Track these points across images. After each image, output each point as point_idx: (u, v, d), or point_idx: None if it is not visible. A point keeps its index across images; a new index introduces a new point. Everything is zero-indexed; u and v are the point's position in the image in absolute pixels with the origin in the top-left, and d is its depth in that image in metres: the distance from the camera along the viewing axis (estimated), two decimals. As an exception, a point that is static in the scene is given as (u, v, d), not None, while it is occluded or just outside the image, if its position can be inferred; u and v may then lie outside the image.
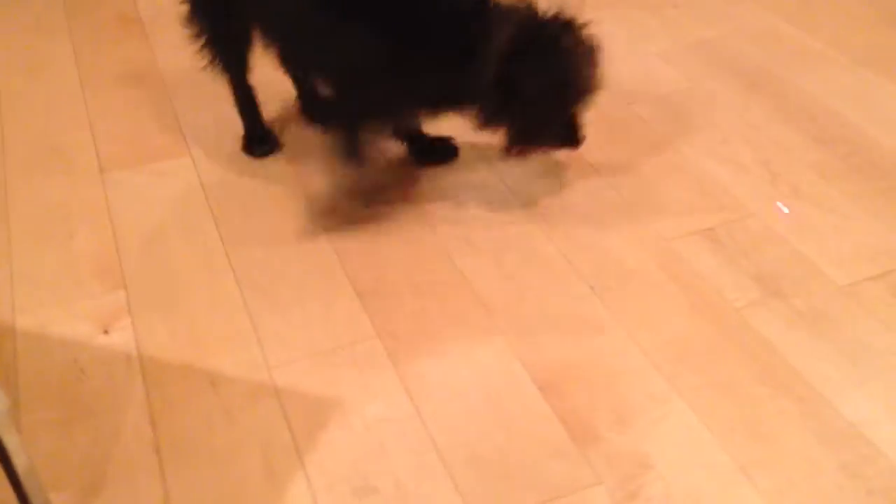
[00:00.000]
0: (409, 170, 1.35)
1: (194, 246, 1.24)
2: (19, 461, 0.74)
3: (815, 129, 1.37)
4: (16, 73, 1.65)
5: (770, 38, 1.60)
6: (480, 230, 1.23)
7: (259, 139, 1.42)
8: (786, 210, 1.21)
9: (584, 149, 1.35)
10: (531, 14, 1.12)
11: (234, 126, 1.46)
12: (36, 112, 1.54)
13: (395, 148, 1.36)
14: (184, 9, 1.33)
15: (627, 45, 1.62)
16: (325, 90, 1.32)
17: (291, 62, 1.37)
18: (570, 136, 1.21)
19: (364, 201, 1.30)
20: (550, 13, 1.13)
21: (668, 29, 1.66)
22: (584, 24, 1.16)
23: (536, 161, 1.34)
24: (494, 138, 1.21)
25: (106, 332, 1.10)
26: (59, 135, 1.48)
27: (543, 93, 1.12)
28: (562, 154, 1.34)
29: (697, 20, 1.68)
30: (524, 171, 1.33)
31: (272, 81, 1.44)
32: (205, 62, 1.35)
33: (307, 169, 1.37)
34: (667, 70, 1.54)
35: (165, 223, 1.28)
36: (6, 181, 1.38)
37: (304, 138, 1.44)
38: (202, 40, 1.33)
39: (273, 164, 1.39)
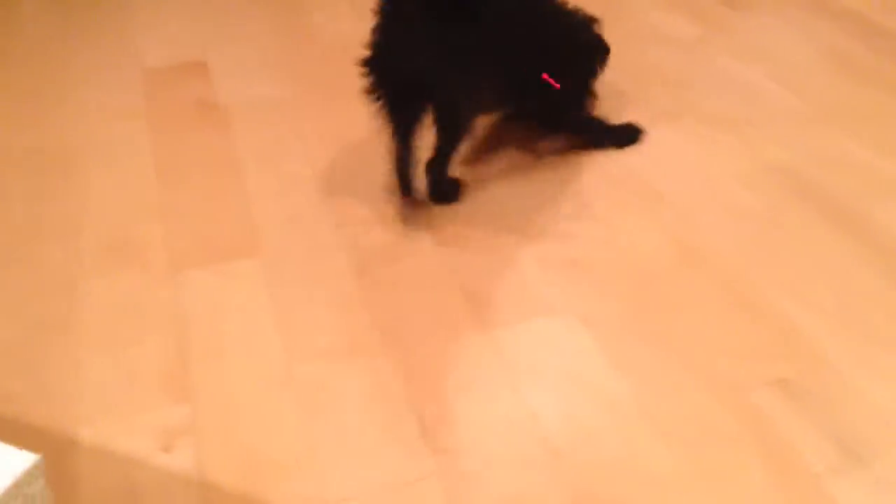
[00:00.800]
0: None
1: (258, 359, 1.23)
2: None
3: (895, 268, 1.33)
4: (94, 159, 1.68)
5: (848, 166, 1.57)
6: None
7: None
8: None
9: (653, 275, 1.34)
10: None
11: (306, 222, 1.48)
12: (112, 201, 1.57)
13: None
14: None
15: (702, 164, 1.60)
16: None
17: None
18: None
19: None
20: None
21: (745, 149, 1.63)
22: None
23: (607, 286, 1.32)
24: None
25: (166, 450, 1.10)
26: (133, 226, 1.50)
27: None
28: (627, 283, 1.32)
29: (771, 140, 1.65)
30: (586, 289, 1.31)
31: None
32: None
33: (374, 276, 1.37)
34: (744, 195, 1.51)
35: (232, 331, 1.28)
36: (78, 276, 1.39)
37: (373, 249, 1.44)
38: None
39: (339, 272, 1.39)
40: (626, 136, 1.67)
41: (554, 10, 1.59)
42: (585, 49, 1.63)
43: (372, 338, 1.26)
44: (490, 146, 1.69)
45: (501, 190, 1.56)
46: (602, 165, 1.61)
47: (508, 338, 1.26)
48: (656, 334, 1.25)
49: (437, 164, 1.49)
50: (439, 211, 1.51)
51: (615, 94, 1.81)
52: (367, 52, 1.40)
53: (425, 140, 1.47)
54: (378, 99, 1.42)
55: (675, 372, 1.19)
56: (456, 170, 1.59)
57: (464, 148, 1.64)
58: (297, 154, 1.68)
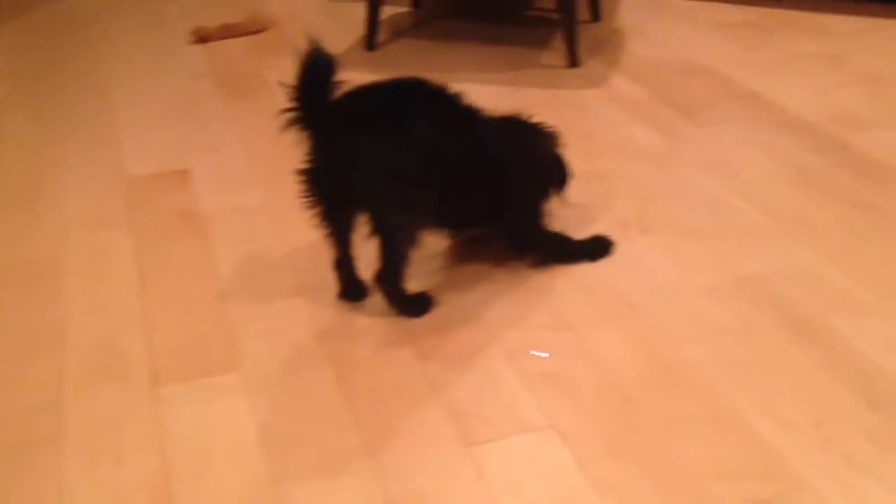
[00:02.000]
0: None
1: (243, 479, 1.23)
2: None
3: (865, 386, 1.38)
4: (76, 271, 1.70)
5: (812, 279, 1.64)
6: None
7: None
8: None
9: (630, 390, 1.37)
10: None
11: (288, 335, 1.50)
12: (94, 314, 1.58)
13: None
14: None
15: (673, 277, 1.65)
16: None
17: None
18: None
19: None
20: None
21: (713, 262, 1.70)
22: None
23: (583, 398, 1.35)
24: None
25: (150, 577, 1.09)
26: (117, 338, 1.51)
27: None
28: (605, 399, 1.35)
29: (737, 253, 1.72)
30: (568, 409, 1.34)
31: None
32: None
33: (355, 390, 1.39)
34: (716, 309, 1.56)
35: (216, 449, 1.28)
36: (61, 392, 1.39)
37: (354, 362, 1.46)
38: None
39: (321, 386, 1.40)
40: (598, 248, 1.73)
41: (502, 128, 1.59)
42: (538, 169, 1.65)
43: (357, 456, 1.27)
44: (465, 256, 1.73)
45: (479, 300, 1.60)
46: (575, 276, 1.66)
47: (489, 455, 1.27)
48: (633, 451, 1.27)
49: (384, 278, 1.51)
50: (419, 322, 1.54)
51: (587, 206, 1.88)
52: (304, 163, 1.46)
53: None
54: (313, 207, 1.48)
55: (652, 491, 1.21)
56: (430, 279, 1.63)
57: (439, 258, 1.69)
58: (279, 264, 1.71)
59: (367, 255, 1.53)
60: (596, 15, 3.00)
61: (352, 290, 1.58)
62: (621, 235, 1.78)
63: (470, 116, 1.54)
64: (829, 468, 1.23)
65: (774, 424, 1.31)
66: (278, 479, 1.23)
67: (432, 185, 1.47)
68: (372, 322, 1.54)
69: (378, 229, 1.46)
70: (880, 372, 1.41)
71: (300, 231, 1.80)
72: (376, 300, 1.56)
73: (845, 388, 1.38)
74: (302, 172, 1.48)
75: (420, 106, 1.48)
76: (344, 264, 1.57)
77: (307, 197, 1.48)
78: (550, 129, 1.66)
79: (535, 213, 1.65)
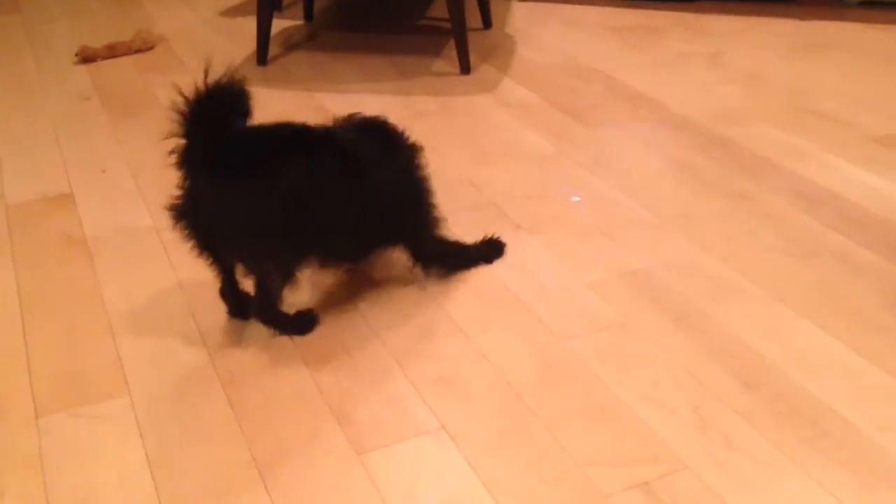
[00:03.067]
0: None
1: (129, 505, 1.21)
2: None
3: (740, 370, 1.44)
4: (-47, 302, 1.64)
5: (693, 271, 1.70)
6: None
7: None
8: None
9: (520, 388, 1.40)
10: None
11: (177, 357, 1.48)
12: (-29, 346, 1.52)
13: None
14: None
15: (561, 274, 1.69)
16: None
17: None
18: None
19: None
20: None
21: (599, 258, 1.74)
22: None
23: (471, 400, 1.37)
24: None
25: None
26: (-6, 371, 1.46)
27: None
28: (495, 398, 1.38)
29: (625, 250, 1.77)
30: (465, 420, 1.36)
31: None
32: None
33: (247, 407, 1.37)
34: (600, 303, 1.61)
35: (102, 478, 1.25)
36: (-66, 429, 1.34)
37: (245, 379, 1.45)
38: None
39: (211, 407, 1.38)
40: (492, 250, 1.75)
41: (374, 148, 1.52)
42: (419, 182, 1.60)
43: (248, 474, 1.26)
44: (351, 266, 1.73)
45: (370, 308, 1.60)
46: (465, 279, 1.68)
47: (382, 461, 1.28)
48: (523, 447, 1.30)
49: (259, 312, 1.50)
50: (310, 334, 1.54)
51: (480, 209, 1.91)
52: (174, 199, 1.43)
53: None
54: (188, 240, 1.46)
55: (542, 484, 1.23)
56: (317, 290, 1.63)
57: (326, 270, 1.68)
58: (168, 286, 1.68)
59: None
60: (487, 22, 3.05)
61: (241, 307, 1.56)
62: (512, 237, 1.81)
63: (346, 153, 1.48)
64: (707, 449, 1.28)
65: (656, 411, 1.36)
66: None
67: (304, 233, 1.45)
68: (264, 339, 1.53)
69: (249, 271, 1.48)
70: (755, 355, 1.47)
71: (189, 251, 1.78)
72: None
73: (722, 372, 1.43)
74: (172, 208, 1.44)
75: (293, 152, 1.43)
76: (229, 291, 1.54)
77: (183, 233, 1.45)
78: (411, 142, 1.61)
79: (428, 228, 1.64)
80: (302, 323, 1.54)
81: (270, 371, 1.46)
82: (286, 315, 1.53)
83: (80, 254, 1.79)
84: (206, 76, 1.33)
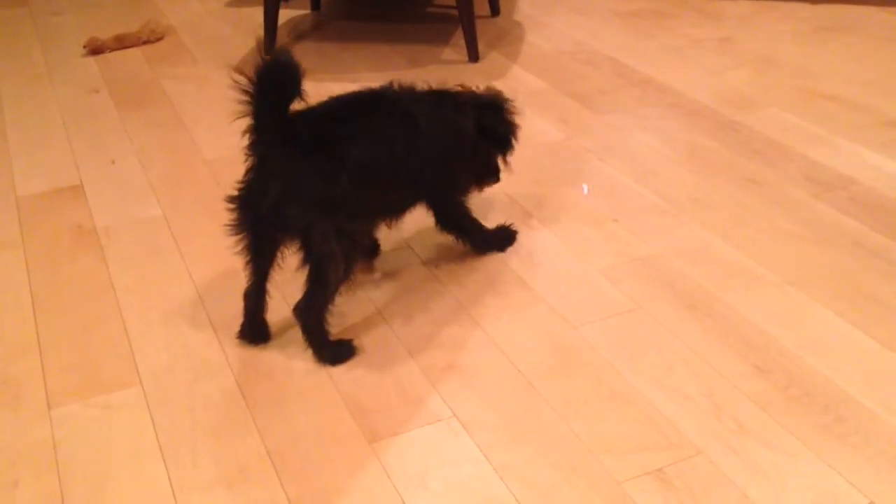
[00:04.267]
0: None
1: (144, 495, 1.21)
2: None
3: (753, 356, 1.43)
4: (-34, 294, 1.64)
5: (705, 256, 1.69)
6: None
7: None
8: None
9: (532, 375, 1.39)
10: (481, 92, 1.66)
11: (188, 346, 1.48)
12: (-16, 338, 1.53)
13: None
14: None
15: (572, 262, 1.69)
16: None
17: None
18: (497, 174, 1.73)
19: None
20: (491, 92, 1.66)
21: (610, 245, 1.74)
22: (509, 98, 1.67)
23: (486, 388, 1.36)
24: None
25: None
26: (7, 363, 1.47)
27: (506, 133, 1.66)
28: (507, 386, 1.37)
29: (637, 236, 1.76)
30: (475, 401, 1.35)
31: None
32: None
33: (258, 396, 1.38)
34: (611, 290, 1.60)
35: (115, 467, 1.26)
36: (-51, 420, 1.35)
37: (256, 368, 1.45)
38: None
39: (223, 396, 1.38)
40: (504, 238, 1.75)
41: (433, 112, 1.51)
42: (463, 149, 1.59)
43: (260, 463, 1.26)
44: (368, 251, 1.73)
45: (382, 298, 1.60)
46: (477, 268, 1.68)
47: (394, 449, 1.28)
48: (534, 434, 1.29)
49: (305, 310, 1.43)
50: (323, 325, 1.53)
51: (490, 197, 1.90)
52: (236, 190, 1.39)
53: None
54: (239, 235, 1.41)
55: (555, 471, 1.23)
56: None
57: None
58: (177, 276, 1.68)
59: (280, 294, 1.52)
60: (496, 9, 3.03)
61: (255, 329, 1.50)
62: (522, 224, 1.80)
63: (406, 116, 1.48)
64: (720, 434, 1.28)
65: (668, 397, 1.35)
66: (179, 492, 1.22)
67: (368, 211, 1.45)
68: (274, 327, 1.52)
69: (309, 258, 1.39)
70: (767, 339, 1.46)
71: (199, 240, 1.78)
72: (280, 308, 1.55)
73: (735, 357, 1.43)
74: (233, 199, 1.39)
75: (359, 125, 1.42)
76: (255, 297, 1.47)
77: (235, 224, 1.40)
78: (492, 100, 1.64)
79: (456, 190, 1.64)
80: (339, 351, 1.46)
81: (282, 360, 1.46)
82: (328, 335, 1.45)
83: (90, 244, 1.79)
84: (260, 53, 1.30)
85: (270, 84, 1.30)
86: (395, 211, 1.58)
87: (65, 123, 2.32)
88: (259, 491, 1.22)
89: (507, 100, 1.66)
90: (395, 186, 1.50)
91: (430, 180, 1.55)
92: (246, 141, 1.36)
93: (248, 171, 1.39)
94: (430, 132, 1.50)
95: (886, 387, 1.35)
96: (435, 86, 1.58)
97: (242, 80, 1.29)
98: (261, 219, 1.39)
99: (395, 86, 1.52)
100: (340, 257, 1.40)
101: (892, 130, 2.14)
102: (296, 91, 1.32)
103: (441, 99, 1.56)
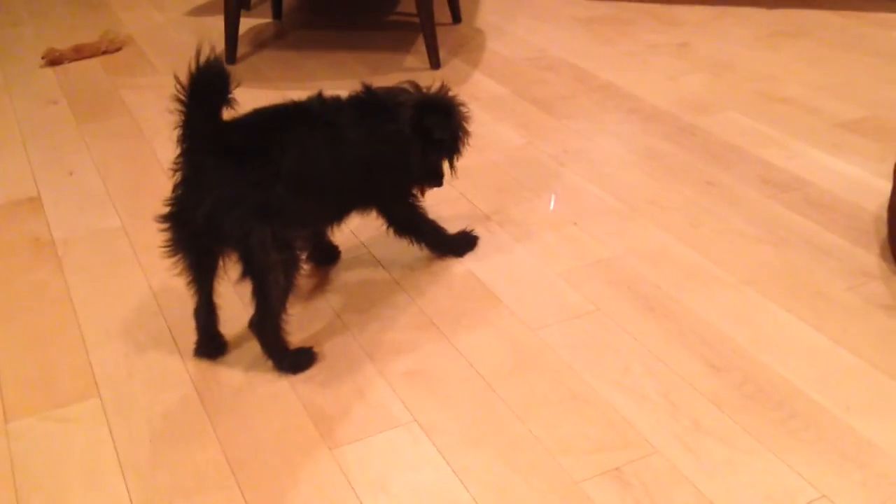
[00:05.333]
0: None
1: (100, 506, 1.20)
2: None
3: (710, 354, 1.45)
4: (-81, 308, 1.62)
5: (663, 258, 1.71)
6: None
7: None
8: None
9: (491, 378, 1.40)
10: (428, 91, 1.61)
11: (148, 357, 1.47)
12: (-62, 353, 1.51)
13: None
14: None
15: (532, 265, 1.70)
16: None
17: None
18: (439, 178, 1.67)
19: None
20: (440, 90, 1.62)
21: (570, 248, 1.75)
22: (461, 99, 1.63)
23: (445, 398, 1.37)
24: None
25: None
26: (-39, 377, 1.45)
27: (448, 136, 1.60)
28: (467, 389, 1.38)
29: (596, 239, 1.78)
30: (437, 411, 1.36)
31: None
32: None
33: (219, 405, 1.37)
34: (571, 293, 1.62)
35: (72, 479, 1.25)
36: None
37: (217, 377, 1.44)
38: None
39: (183, 406, 1.38)
40: (463, 243, 1.76)
41: (364, 118, 1.50)
42: (400, 152, 1.55)
43: (220, 472, 1.26)
44: (323, 260, 1.73)
45: (341, 303, 1.60)
46: (439, 274, 1.69)
47: (354, 454, 1.28)
48: (494, 437, 1.30)
49: (259, 325, 1.41)
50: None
51: (451, 201, 1.91)
52: (166, 207, 1.36)
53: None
54: (176, 254, 1.39)
55: (514, 472, 1.24)
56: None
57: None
58: (136, 286, 1.67)
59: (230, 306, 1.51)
60: (457, 16, 3.05)
61: (210, 344, 1.48)
62: (483, 228, 1.81)
63: (329, 127, 1.46)
64: (676, 433, 1.29)
65: (626, 397, 1.37)
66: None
67: (305, 218, 1.44)
68: (233, 335, 1.52)
69: (248, 270, 1.37)
70: (724, 339, 1.49)
71: (158, 250, 1.77)
72: (239, 316, 1.54)
73: (692, 357, 1.45)
74: (165, 217, 1.37)
75: (287, 136, 1.40)
76: (204, 314, 1.46)
77: (170, 244, 1.38)
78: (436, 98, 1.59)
79: (399, 193, 1.62)
80: (299, 359, 1.46)
81: (242, 369, 1.46)
82: (286, 345, 1.45)
83: (48, 256, 1.77)
84: (197, 59, 1.28)
85: (201, 92, 1.29)
86: (333, 218, 1.57)
87: (22, 135, 2.29)
88: (219, 500, 1.21)
89: (454, 100, 1.61)
90: (328, 195, 1.48)
91: (361, 188, 1.55)
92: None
93: (176, 186, 1.35)
94: (355, 141, 1.47)
95: (837, 383, 1.38)
96: (383, 85, 1.56)
97: (178, 87, 1.27)
98: (196, 233, 1.35)
99: (320, 98, 1.49)
100: (280, 266, 1.37)
101: (845, 132, 2.19)
102: (225, 99, 1.30)
103: (369, 105, 1.52)
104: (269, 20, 3.10)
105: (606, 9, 3.16)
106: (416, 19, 2.69)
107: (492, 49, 2.81)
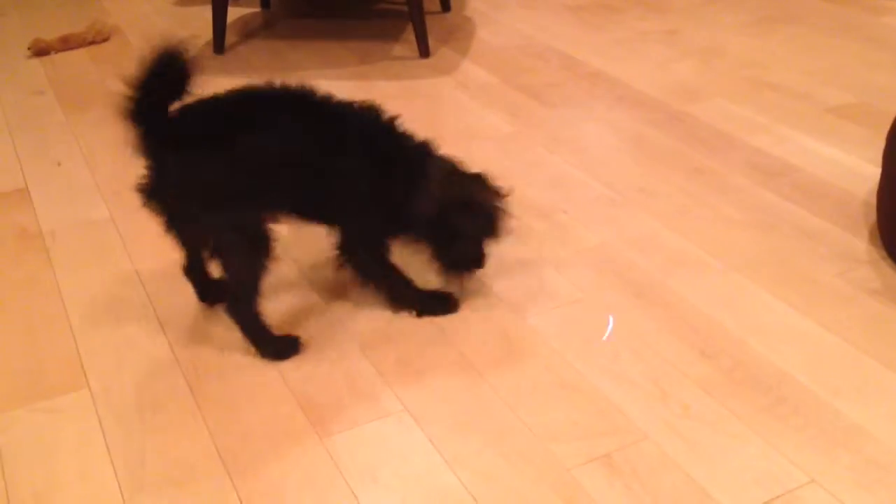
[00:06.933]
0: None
1: (92, 498, 1.20)
2: None
3: (698, 340, 1.45)
4: None
5: (652, 245, 1.71)
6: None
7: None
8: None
9: (481, 367, 1.40)
10: (457, 168, 1.52)
11: (138, 348, 1.46)
12: (-75, 345, 1.50)
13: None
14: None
15: (520, 253, 1.70)
16: None
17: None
18: (479, 261, 1.55)
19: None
20: (472, 171, 1.52)
21: (559, 235, 1.75)
22: (496, 183, 1.53)
23: (434, 385, 1.37)
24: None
25: None
26: (-51, 369, 1.44)
27: (473, 231, 1.50)
28: (457, 378, 1.38)
29: (584, 226, 1.78)
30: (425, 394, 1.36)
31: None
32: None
33: (208, 396, 1.37)
34: (560, 280, 1.62)
35: (61, 471, 1.24)
36: None
37: (207, 367, 1.44)
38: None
39: (172, 396, 1.38)
40: (436, 304, 1.55)
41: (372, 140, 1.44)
42: (393, 178, 1.44)
43: (210, 462, 1.26)
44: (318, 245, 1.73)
45: (331, 294, 1.60)
46: (430, 263, 1.68)
47: (345, 443, 1.28)
48: (484, 425, 1.30)
49: (231, 307, 1.41)
50: (270, 319, 1.53)
51: (439, 192, 1.90)
52: (142, 178, 1.38)
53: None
54: (157, 216, 1.40)
55: (504, 460, 1.24)
56: (276, 276, 1.62)
57: (287, 250, 1.68)
58: (125, 277, 1.67)
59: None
60: (446, 5, 3.04)
61: (209, 290, 1.53)
62: (472, 218, 1.81)
63: (325, 118, 1.42)
64: (666, 419, 1.30)
65: (616, 384, 1.37)
66: (128, 494, 1.21)
67: (268, 201, 1.40)
68: (225, 327, 1.51)
69: (214, 252, 1.39)
70: (713, 325, 1.49)
71: (147, 240, 1.76)
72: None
73: (681, 343, 1.45)
74: (140, 189, 1.38)
75: (262, 117, 1.37)
76: (193, 269, 1.52)
77: (152, 211, 1.39)
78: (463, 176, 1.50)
79: (357, 215, 1.47)
80: (282, 346, 1.45)
81: (232, 359, 1.45)
82: (266, 328, 1.44)
83: (36, 248, 1.76)
84: (161, 46, 1.27)
85: (158, 76, 1.28)
86: (295, 209, 1.47)
87: (9, 126, 2.28)
88: (209, 489, 1.21)
89: (492, 195, 1.49)
90: (283, 184, 1.40)
91: (327, 200, 1.45)
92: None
93: (147, 161, 1.36)
94: (345, 171, 1.41)
95: (825, 367, 1.39)
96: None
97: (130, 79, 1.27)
98: (168, 206, 1.38)
99: (329, 99, 1.44)
100: (243, 249, 1.37)
101: (833, 118, 2.19)
102: (184, 84, 1.30)
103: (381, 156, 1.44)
104: (257, 9, 3.09)
105: (596, -4, 3.16)
106: (405, 8, 2.68)
107: (481, 37, 2.81)
